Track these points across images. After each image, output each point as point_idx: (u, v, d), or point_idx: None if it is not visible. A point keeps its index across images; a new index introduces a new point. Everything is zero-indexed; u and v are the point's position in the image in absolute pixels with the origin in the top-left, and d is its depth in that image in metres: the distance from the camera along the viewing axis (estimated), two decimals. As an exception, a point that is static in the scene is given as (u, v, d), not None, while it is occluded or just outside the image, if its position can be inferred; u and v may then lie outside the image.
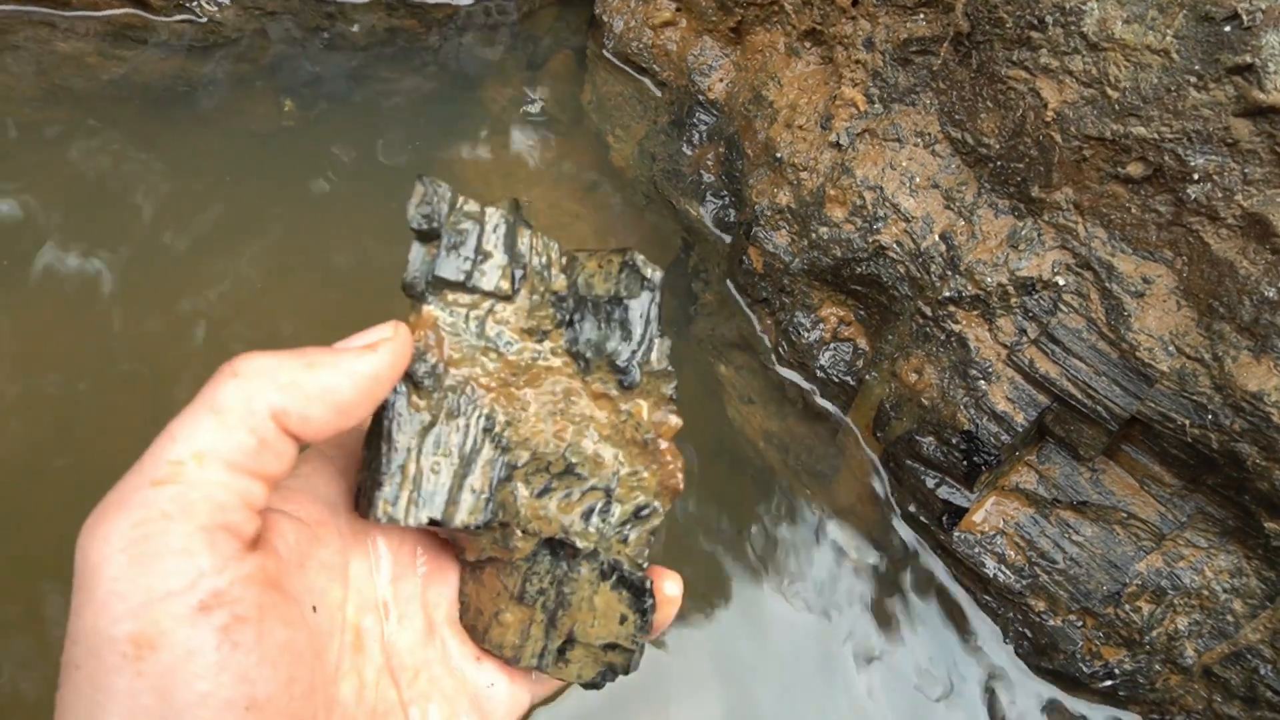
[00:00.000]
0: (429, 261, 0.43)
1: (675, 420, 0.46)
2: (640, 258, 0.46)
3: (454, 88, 1.14)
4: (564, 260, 0.46)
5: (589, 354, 0.45)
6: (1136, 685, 0.72)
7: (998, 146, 0.74)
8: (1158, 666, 0.72)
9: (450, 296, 0.43)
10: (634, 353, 0.45)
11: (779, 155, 0.86)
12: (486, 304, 0.43)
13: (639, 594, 0.46)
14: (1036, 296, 0.73)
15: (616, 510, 0.45)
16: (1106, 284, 0.69)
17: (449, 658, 0.47)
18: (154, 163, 1.04)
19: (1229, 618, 0.69)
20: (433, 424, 0.42)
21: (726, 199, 0.94)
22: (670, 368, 0.46)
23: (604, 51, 1.09)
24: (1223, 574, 0.69)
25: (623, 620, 0.46)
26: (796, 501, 0.86)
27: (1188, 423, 0.65)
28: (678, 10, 1.02)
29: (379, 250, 1.01)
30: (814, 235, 0.83)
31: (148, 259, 0.95)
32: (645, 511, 0.46)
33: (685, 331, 0.95)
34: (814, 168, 0.84)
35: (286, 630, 0.36)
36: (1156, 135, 0.65)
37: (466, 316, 0.43)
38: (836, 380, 0.86)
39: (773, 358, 0.89)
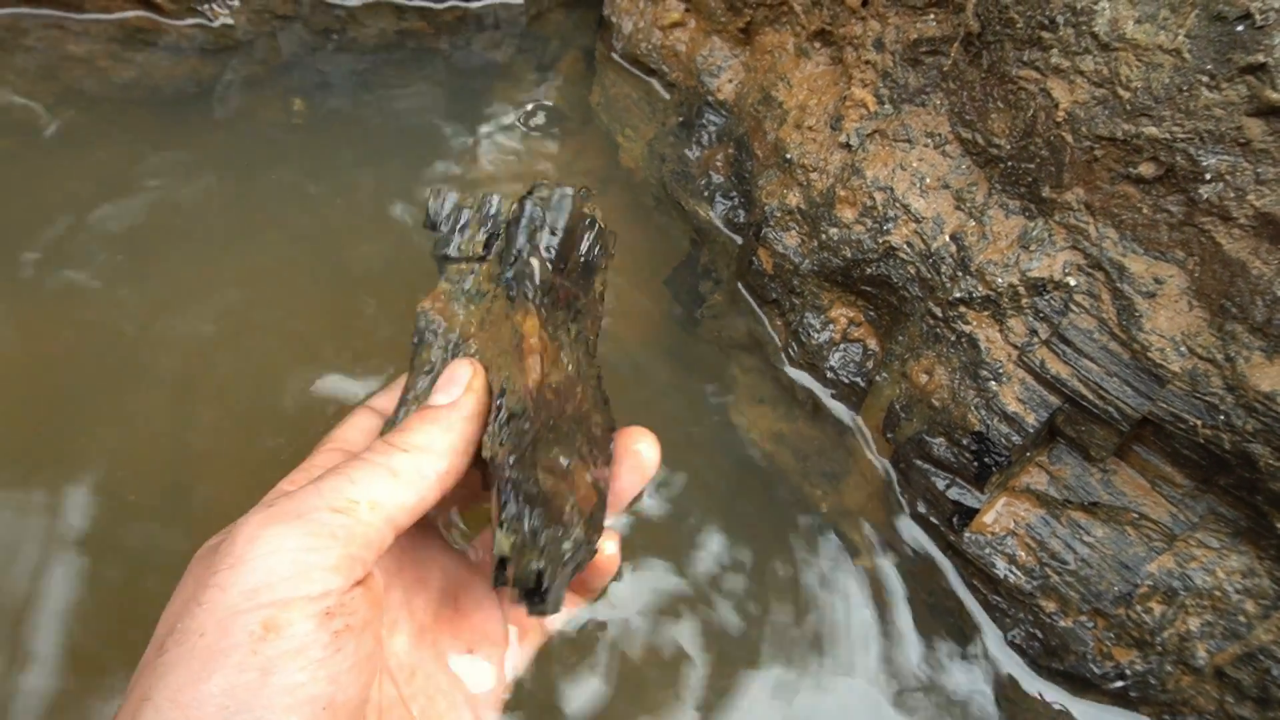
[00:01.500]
0: (434, 245, 0.56)
1: (531, 322, 0.53)
2: (539, 186, 0.56)
3: (463, 89, 1.14)
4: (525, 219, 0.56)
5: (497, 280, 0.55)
6: (1148, 686, 0.72)
7: (1008, 147, 0.74)
8: (1169, 667, 0.71)
9: (452, 270, 0.56)
10: (507, 273, 0.54)
11: (789, 156, 0.86)
12: (471, 267, 0.55)
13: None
14: (1048, 297, 0.73)
15: (504, 414, 0.51)
16: (1118, 284, 0.69)
17: (441, 655, 0.52)
18: (164, 163, 1.05)
19: (1241, 618, 0.69)
20: (433, 370, 0.54)
21: (736, 200, 0.94)
22: (537, 281, 0.54)
23: (612, 53, 1.09)
24: (1235, 574, 0.69)
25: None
26: (805, 502, 0.86)
27: (1200, 423, 0.65)
28: (686, 11, 1.03)
29: (388, 247, 1.01)
30: (824, 236, 0.83)
31: (158, 258, 0.96)
32: (510, 417, 0.50)
33: (693, 332, 0.95)
34: (824, 168, 0.84)
35: (375, 646, 0.43)
36: (1168, 135, 0.65)
37: (462, 282, 0.55)
38: (846, 381, 0.86)
39: (782, 359, 0.89)
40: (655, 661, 0.76)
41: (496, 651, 0.55)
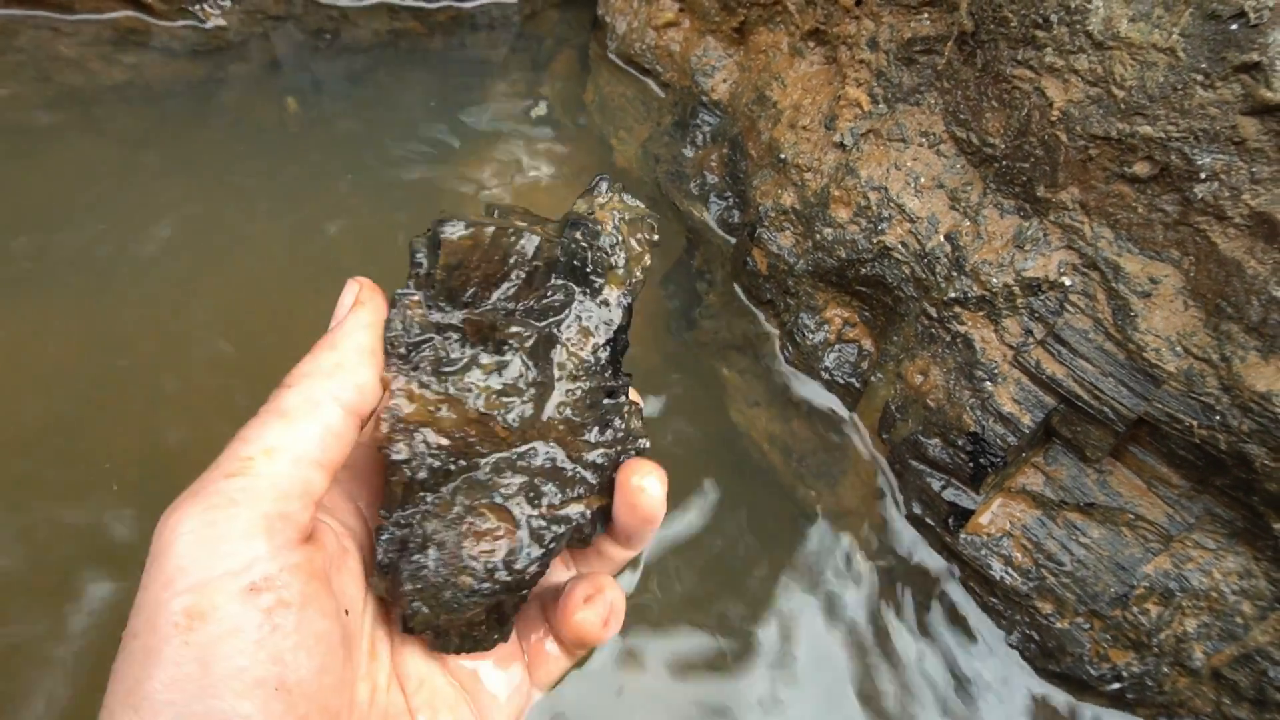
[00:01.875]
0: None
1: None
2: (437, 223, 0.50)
3: (458, 89, 1.14)
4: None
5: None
6: (1145, 688, 0.72)
7: (1003, 146, 0.74)
8: (1166, 669, 0.71)
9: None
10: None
11: (783, 156, 0.86)
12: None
13: None
14: (1043, 297, 0.72)
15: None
16: (1113, 284, 0.69)
17: (452, 670, 0.50)
18: (155, 164, 1.04)
19: (1238, 620, 0.69)
20: None
21: (730, 200, 0.94)
22: (393, 332, 0.48)
23: (607, 53, 1.09)
24: (1231, 576, 0.69)
25: None
26: (801, 503, 0.85)
27: (1195, 424, 0.65)
28: (680, 11, 1.02)
29: (380, 247, 1.00)
30: (818, 236, 0.82)
31: (153, 258, 0.95)
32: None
33: (690, 333, 0.95)
34: (818, 168, 0.83)
35: (324, 622, 0.39)
36: (1163, 134, 0.64)
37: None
38: (842, 382, 0.85)
39: (778, 359, 0.89)
40: (645, 662, 0.76)
41: (512, 664, 0.52)
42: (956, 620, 0.79)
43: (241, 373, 0.87)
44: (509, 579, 0.46)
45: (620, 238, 0.52)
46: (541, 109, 1.13)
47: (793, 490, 0.86)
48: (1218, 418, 0.64)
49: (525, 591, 0.48)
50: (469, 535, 0.45)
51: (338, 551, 0.44)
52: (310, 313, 0.93)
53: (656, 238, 0.55)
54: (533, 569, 0.47)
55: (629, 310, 0.52)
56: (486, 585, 0.45)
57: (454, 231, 0.48)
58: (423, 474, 0.44)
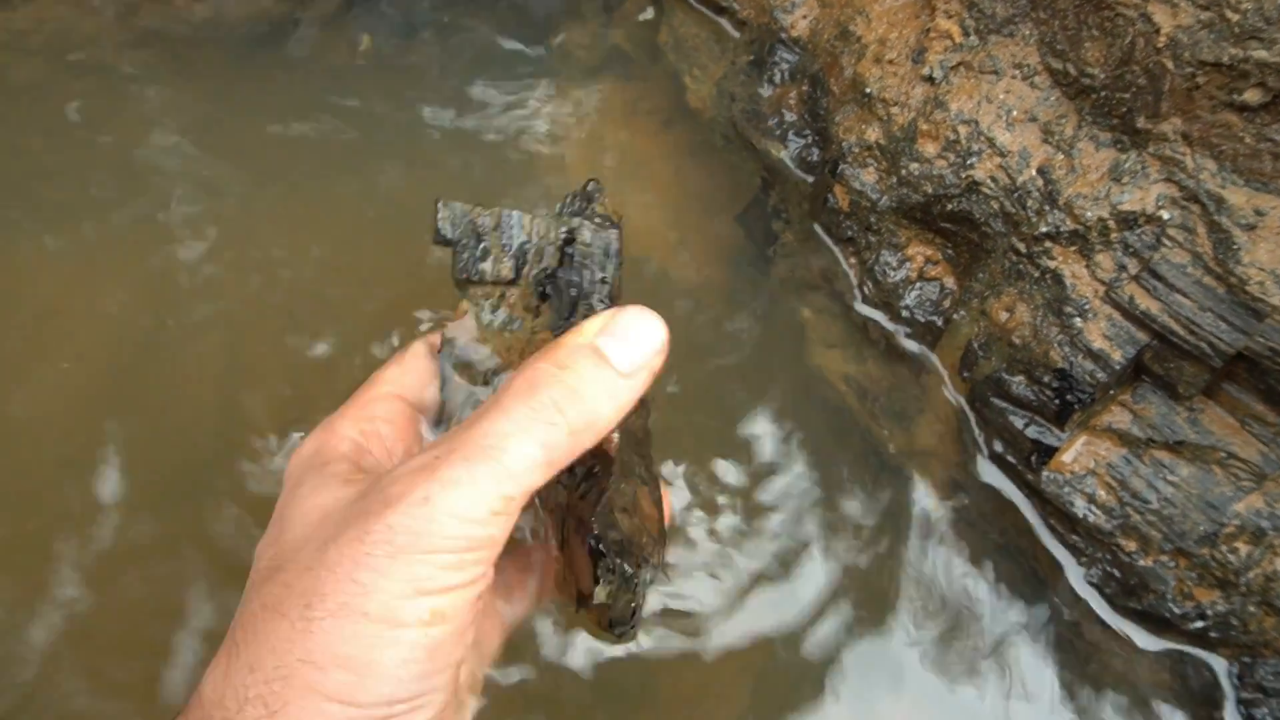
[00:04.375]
0: (454, 266, 0.53)
1: None
2: (580, 224, 0.53)
3: (531, 29, 1.14)
4: (562, 237, 0.53)
5: (555, 326, 0.52)
6: (1229, 627, 0.72)
7: (1102, 76, 0.72)
8: (1252, 608, 0.71)
9: (474, 290, 0.53)
10: (566, 321, 0.52)
11: (868, 91, 0.85)
12: (498, 291, 0.53)
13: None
14: (1139, 231, 0.71)
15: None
16: (1215, 217, 0.67)
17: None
18: (236, 103, 1.06)
19: (1331, 560, 0.68)
20: (470, 395, 0.54)
21: (809, 138, 0.93)
22: None
23: (682, -9, 1.08)
24: (1326, 516, 0.68)
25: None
26: (877, 442, 0.86)
27: (1300, 358, 0.64)
28: (759, -53, 1.00)
29: (453, 190, 1.01)
30: (904, 172, 0.81)
31: (233, 202, 0.97)
32: (650, 550, 0.49)
33: (766, 272, 0.95)
34: (905, 102, 0.82)
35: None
36: (1272, 60, 0.62)
37: (487, 305, 0.53)
38: (923, 320, 0.85)
39: (856, 297, 0.89)
40: (733, 593, 0.77)
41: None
42: (1035, 558, 0.79)
43: (305, 296, 0.89)
44: (664, 550, 0.51)
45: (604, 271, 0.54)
46: (614, 50, 1.12)
47: (868, 429, 0.86)
48: (1324, 351, 0.62)
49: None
50: (644, 521, 0.49)
51: None
52: (379, 249, 0.95)
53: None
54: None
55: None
56: (660, 564, 0.50)
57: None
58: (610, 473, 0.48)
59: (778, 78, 0.97)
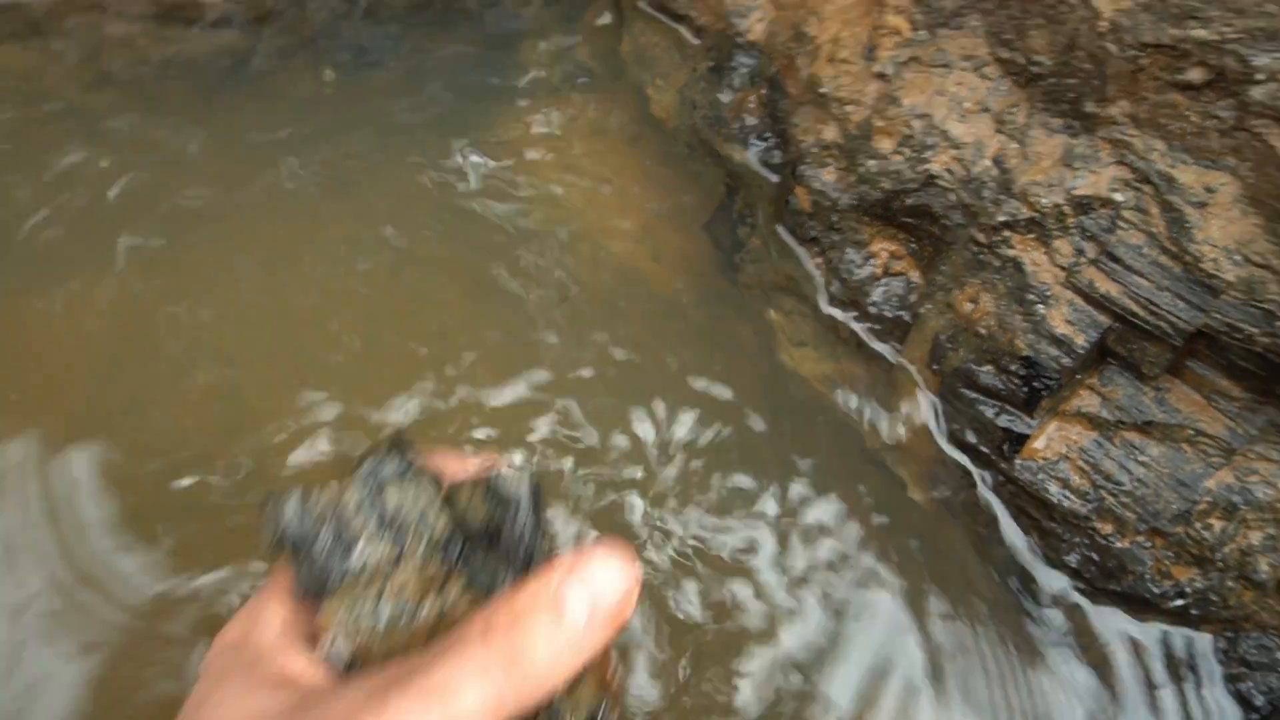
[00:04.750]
0: (301, 572, 0.43)
1: None
2: (504, 474, 0.45)
3: (494, 49, 1.15)
4: (441, 500, 0.45)
5: (487, 586, 0.44)
6: (1208, 603, 0.72)
7: (1050, 64, 0.73)
8: (1230, 583, 0.71)
9: (343, 587, 0.43)
10: (515, 577, 0.44)
11: (823, 90, 0.86)
12: (379, 579, 0.43)
13: None
14: (1094, 215, 0.71)
15: None
16: (1167, 196, 0.68)
17: None
18: (200, 138, 1.07)
19: (1305, 531, 0.68)
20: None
21: (771, 140, 0.94)
22: None
23: (639, 2, 1.09)
24: (1297, 487, 0.68)
25: None
26: (852, 438, 0.86)
27: (1256, 331, 0.64)
28: (712, -46, 1.01)
29: (423, 218, 1.02)
30: (862, 169, 0.82)
31: (195, 235, 0.98)
32: (600, 713, 0.43)
33: (732, 277, 0.95)
34: (860, 100, 0.83)
35: None
36: (1218, 36, 0.63)
37: (366, 600, 0.42)
38: (890, 315, 0.85)
39: (824, 298, 0.89)
40: (708, 603, 0.77)
41: None
42: (1012, 546, 0.79)
43: (267, 340, 0.90)
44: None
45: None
46: (578, 64, 1.13)
47: (843, 426, 0.87)
48: (1279, 323, 0.63)
49: None
50: None
51: None
52: (345, 283, 0.95)
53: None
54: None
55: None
56: None
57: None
58: None
59: (737, 82, 0.98)
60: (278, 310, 0.92)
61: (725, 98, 0.99)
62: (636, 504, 0.82)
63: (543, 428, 0.85)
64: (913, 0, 0.81)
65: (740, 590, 0.79)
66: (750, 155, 0.95)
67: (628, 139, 1.08)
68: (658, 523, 0.81)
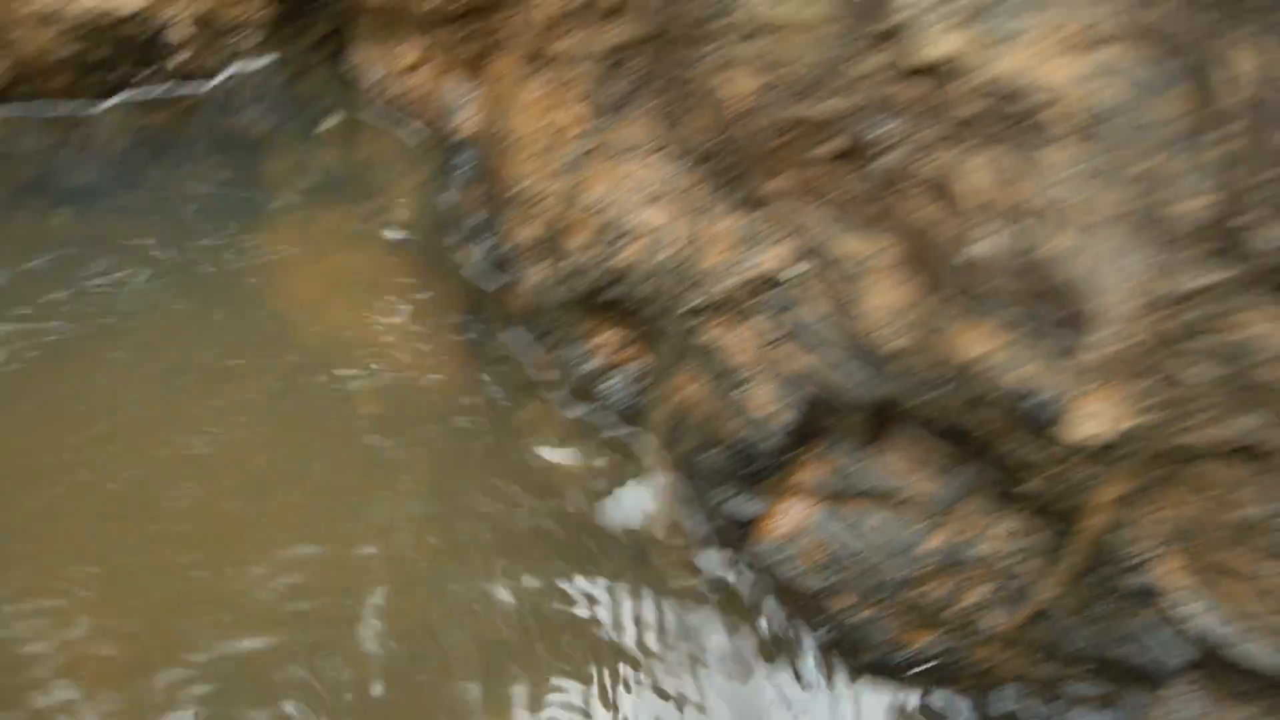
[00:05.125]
0: None
1: None
2: None
3: (233, 167, 1.10)
4: None
5: None
6: (953, 664, 0.70)
7: (712, 144, 0.72)
8: (967, 641, 0.70)
9: None
10: None
11: (521, 187, 0.83)
12: None
13: None
14: (774, 293, 0.70)
15: None
16: (834, 268, 0.67)
17: None
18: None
19: (1022, 579, 0.67)
20: None
21: (493, 239, 0.91)
22: None
23: (366, 108, 1.06)
24: (1008, 537, 0.67)
25: None
26: (606, 530, 0.83)
27: (927, 397, 0.63)
28: (424, 49, 0.99)
29: (192, 337, 0.96)
30: (563, 265, 0.80)
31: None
32: None
33: (483, 378, 0.92)
34: (549, 195, 0.81)
35: None
36: (840, 110, 0.63)
37: None
38: (625, 406, 0.83)
39: (564, 393, 0.87)
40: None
41: None
42: (766, 624, 0.77)
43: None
44: None
45: None
46: (315, 175, 1.09)
47: (595, 518, 0.84)
48: (942, 389, 0.62)
49: None
50: None
51: None
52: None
53: None
54: None
55: None
56: None
57: None
58: None
59: (461, 181, 0.96)
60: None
61: (453, 198, 0.96)
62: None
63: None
64: (591, 87, 0.80)
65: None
66: (480, 254, 0.93)
67: (370, 244, 1.05)
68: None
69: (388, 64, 1.01)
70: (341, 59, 1.06)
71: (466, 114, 0.94)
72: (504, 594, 0.81)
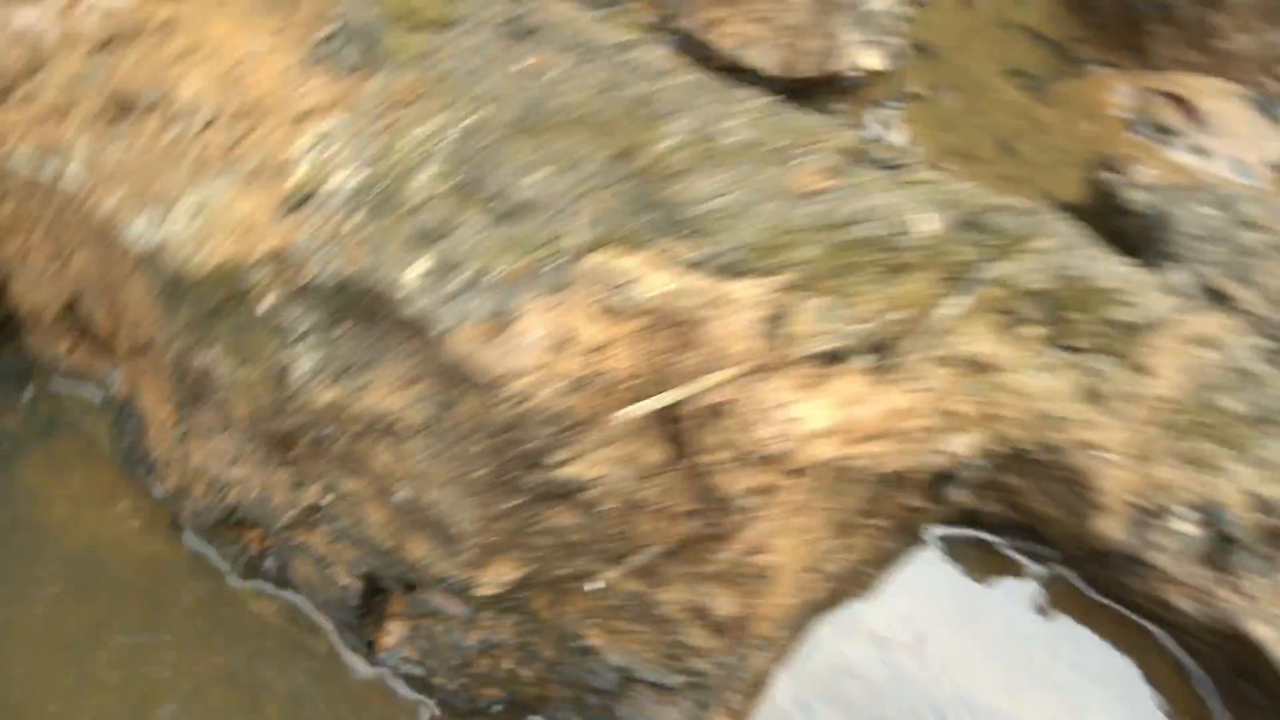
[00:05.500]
0: None
1: None
2: None
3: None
4: None
5: None
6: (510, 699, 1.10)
7: (255, 426, 1.04)
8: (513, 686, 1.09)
9: None
10: None
11: (156, 455, 1.14)
12: None
13: None
14: (320, 513, 1.04)
15: None
16: (345, 498, 1.01)
17: None
18: None
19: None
20: None
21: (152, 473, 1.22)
22: None
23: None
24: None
25: None
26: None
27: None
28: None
29: None
30: (195, 505, 1.13)
31: None
32: None
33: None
34: (174, 462, 1.12)
35: None
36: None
37: None
38: (275, 577, 1.17)
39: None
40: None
41: None
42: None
43: None
44: None
45: None
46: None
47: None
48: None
49: None
50: None
51: None
52: None
53: None
54: None
55: None
56: None
57: None
58: None
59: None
60: None
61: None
62: None
63: None
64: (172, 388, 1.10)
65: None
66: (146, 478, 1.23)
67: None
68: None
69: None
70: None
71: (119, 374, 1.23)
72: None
